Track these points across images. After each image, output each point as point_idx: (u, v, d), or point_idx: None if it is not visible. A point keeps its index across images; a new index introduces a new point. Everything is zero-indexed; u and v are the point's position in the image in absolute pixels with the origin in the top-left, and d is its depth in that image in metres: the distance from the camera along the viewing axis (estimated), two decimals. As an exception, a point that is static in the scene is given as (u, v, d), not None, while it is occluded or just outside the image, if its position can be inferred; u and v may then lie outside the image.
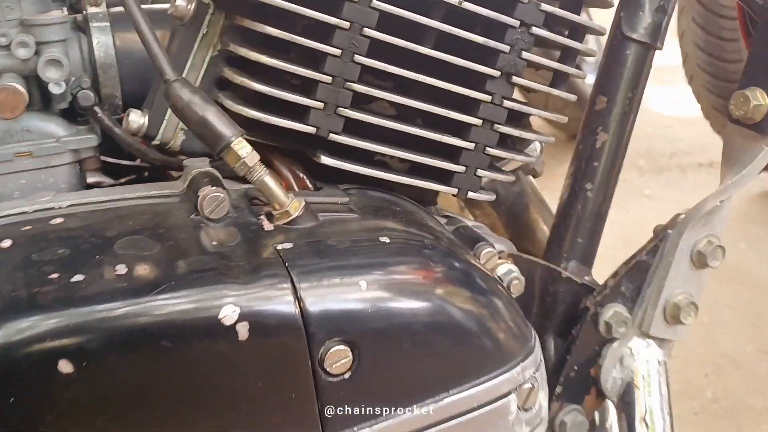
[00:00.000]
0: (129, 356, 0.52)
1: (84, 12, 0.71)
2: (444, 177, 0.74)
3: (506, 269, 0.76)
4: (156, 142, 0.70)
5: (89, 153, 0.69)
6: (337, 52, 0.65)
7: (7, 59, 0.66)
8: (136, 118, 0.69)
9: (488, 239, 0.77)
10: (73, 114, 0.69)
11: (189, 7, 0.68)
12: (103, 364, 0.52)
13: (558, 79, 0.78)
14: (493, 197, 0.77)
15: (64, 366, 0.50)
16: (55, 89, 0.64)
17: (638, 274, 0.84)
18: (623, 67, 0.85)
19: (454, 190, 0.74)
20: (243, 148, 0.60)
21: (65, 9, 0.71)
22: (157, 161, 0.71)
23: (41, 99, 0.68)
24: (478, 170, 0.74)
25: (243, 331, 0.53)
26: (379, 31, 0.66)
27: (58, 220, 0.61)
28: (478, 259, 0.74)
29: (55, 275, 0.54)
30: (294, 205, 0.62)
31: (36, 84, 0.68)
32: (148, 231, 0.59)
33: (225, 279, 0.55)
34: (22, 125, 0.66)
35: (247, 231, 0.61)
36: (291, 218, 0.62)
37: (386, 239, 0.63)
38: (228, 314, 0.53)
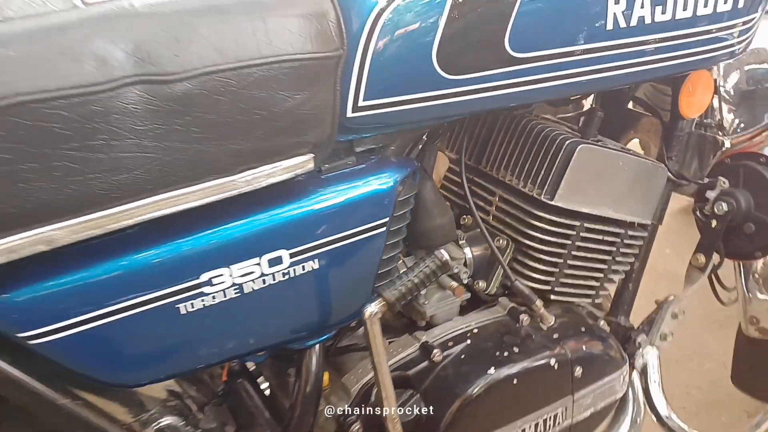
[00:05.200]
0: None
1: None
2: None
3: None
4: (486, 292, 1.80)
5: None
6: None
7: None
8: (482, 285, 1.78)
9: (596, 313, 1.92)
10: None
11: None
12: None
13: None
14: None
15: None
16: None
17: (649, 327, 2.01)
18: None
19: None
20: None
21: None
22: (490, 299, 1.80)
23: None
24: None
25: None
26: None
27: (476, 330, 1.69)
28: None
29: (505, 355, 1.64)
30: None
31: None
32: (518, 333, 1.67)
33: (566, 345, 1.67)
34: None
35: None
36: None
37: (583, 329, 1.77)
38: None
